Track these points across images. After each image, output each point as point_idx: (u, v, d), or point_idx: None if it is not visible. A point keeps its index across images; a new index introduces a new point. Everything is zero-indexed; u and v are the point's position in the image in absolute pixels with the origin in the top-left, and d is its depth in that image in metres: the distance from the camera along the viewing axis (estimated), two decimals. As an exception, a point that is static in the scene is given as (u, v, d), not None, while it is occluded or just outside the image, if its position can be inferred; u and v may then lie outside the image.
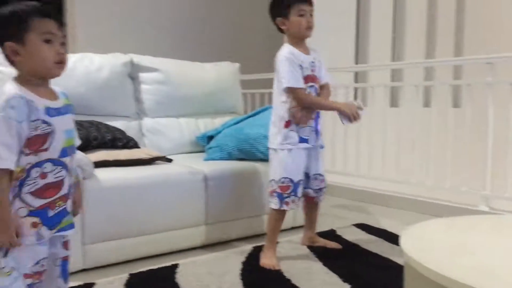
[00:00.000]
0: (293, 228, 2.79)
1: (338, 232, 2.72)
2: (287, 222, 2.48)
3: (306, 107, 2.18)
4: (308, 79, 2.20)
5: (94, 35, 4.59)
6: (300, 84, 2.16)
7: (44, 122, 1.21)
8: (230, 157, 2.75)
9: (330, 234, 2.66)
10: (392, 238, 2.56)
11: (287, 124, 2.20)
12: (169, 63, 3.21)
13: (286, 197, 2.18)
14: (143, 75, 3.05)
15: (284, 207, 2.18)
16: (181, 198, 2.38)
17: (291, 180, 2.18)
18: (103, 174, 2.17)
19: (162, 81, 3.08)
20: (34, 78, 1.24)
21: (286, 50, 2.18)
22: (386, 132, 3.53)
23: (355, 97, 4.16)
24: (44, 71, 1.24)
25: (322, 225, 2.54)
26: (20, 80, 1.23)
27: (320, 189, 2.35)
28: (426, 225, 1.54)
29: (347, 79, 4.30)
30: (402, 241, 1.33)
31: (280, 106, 2.21)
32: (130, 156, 2.43)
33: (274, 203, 2.21)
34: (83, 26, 4.56)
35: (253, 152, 2.69)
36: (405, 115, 3.47)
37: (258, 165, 2.66)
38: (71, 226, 1.34)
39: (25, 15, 1.20)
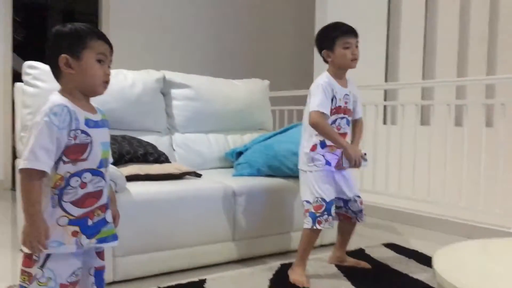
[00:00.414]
0: (321, 246, 2.77)
1: (367, 251, 2.69)
2: (315, 240, 2.47)
3: (319, 131, 2.19)
4: (339, 110, 2.24)
5: (127, 51, 4.71)
6: (325, 110, 2.18)
7: (83, 132, 1.27)
8: (259, 173, 2.76)
9: (359, 253, 2.63)
10: (423, 259, 2.51)
11: (314, 148, 2.22)
12: (200, 80, 3.26)
13: (319, 216, 2.17)
14: (174, 91, 3.10)
15: (317, 226, 2.17)
16: (210, 213, 2.40)
17: (323, 199, 2.18)
18: (135, 188, 2.21)
19: (193, 97, 3.13)
20: (79, 92, 1.31)
21: (324, 79, 2.22)
22: (417, 151, 3.49)
23: (384, 117, 4.13)
24: (91, 87, 1.32)
25: (351, 244, 2.52)
26: (64, 92, 1.30)
27: (361, 211, 2.34)
28: (460, 247, 1.52)
29: (377, 97, 4.28)
30: (435, 262, 1.31)
31: (308, 128, 2.24)
32: (161, 170, 2.47)
33: (307, 223, 2.21)
34: (116, 43, 4.68)
35: (282, 169, 2.69)
36: (436, 133, 3.42)
37: (287, 182, 2.66)
38: (114, 237, 1.38)
39: (84, 34, 1.29)
